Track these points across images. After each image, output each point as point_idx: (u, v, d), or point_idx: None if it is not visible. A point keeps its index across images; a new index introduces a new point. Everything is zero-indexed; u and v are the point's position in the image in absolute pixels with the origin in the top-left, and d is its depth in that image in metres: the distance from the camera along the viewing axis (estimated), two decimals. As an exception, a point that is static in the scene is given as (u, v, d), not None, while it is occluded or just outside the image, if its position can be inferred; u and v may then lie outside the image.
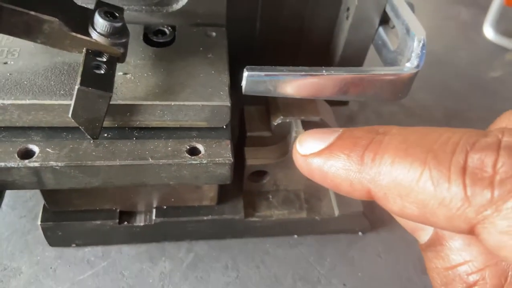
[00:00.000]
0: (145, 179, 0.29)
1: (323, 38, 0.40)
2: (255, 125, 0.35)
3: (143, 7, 0.34)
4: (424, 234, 0.23)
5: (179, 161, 0.28)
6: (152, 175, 0.29)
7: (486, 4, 0.68)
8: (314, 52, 0.41)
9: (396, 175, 0.20)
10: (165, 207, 0.34)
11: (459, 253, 0.22)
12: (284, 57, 0.41)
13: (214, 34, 0.34)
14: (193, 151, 0.29)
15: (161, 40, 0.33)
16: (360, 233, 0.39)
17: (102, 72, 0.27)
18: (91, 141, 0.29)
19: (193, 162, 0.29)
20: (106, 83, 0.27)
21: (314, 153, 0.24)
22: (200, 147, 0.29)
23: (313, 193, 0.37)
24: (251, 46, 0.40)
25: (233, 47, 0.36)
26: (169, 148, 0.29)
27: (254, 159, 0.34)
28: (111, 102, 0.28)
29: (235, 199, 0.36)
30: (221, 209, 0.35)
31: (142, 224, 0.34)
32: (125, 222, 0.34)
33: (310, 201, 0.37)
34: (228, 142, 0.30)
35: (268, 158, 0.35)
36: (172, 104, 0.29)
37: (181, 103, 0.29)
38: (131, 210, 0.34)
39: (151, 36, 0.33)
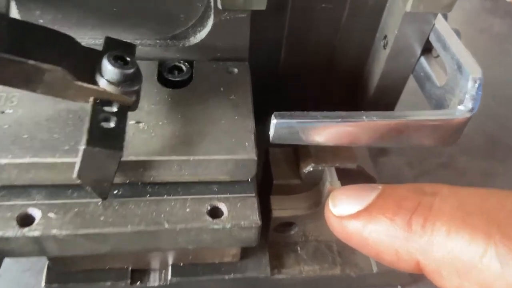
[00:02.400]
0: (160, 244, 0.25)
1: (356, 68, 0.36)
2: (282, 172, 0.31)
3: (157, 41, 0.30)
4: None
5: (199, 226, 0.25)
6: (167, 241, 0.25)
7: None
8: (345, 84, 0.37)
9: (452, 248, 0.17)
10: (182, 264, 0.31)
11: None
12: (311, 89, 0.37)
13: (236, 70, 0.30)
14: (215, 213, 0.26)
15: (177, 79, 0.29)
16: (399, 287, 0.35)
17: (112, 125, 0.23)
18: (99, 202, 0.25)
19: (215, 226, 0.25)
20: (116, 139, 0.23)
21: (350, 215, 0.21)
22: (223, 207, 0.26)
23: (346, 244, 0.33)
24: (274, 76, 0.36)
25: (256, 76, 0.32)
26: (188, 210, 0.25)
27: (281, 210, 0.31)
28: (122, 159, 0.24)
29: (260, 252, 0.32)
30: (244, 265, 0.31)
31: (156, 284, 0.30)
32: (138, 282, 0.30)
33: (344, 254, 0.33)
34: (255, 200, 0.26)
35: (297, 209, 0.31)
36: (191, 159, 0.25)
37: (201, 157, 0.25)
38: (145, 268, 0.31)
39: (166, 75, 0.29)
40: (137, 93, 0.25)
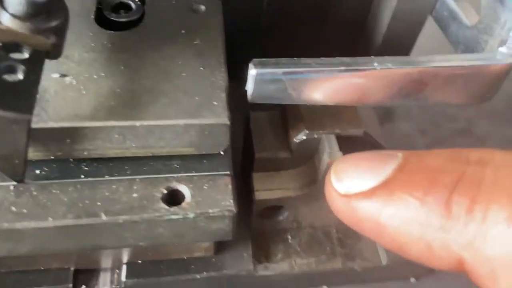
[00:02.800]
0: (99, 242, 0.19)
1: (358, 13, 0.29)
2: (266, 142, 0.24)
3: (95, -31, 0.22)
4: None
5: (151, 216, 0.18)
6: (108, 238, 0.19)
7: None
8: (345, 34, 0.29)
9: None
10: (140, 261, 0.24)
11: None
12: (302, 41, 0.29)
13: (203, 8, 0.23)
14: (173, 198, 0.19)
15: (123, 19, 0.22)
16: (413, 280, 0.28)
17: (19, 78, 0.16)
18: (12, 186, 0.18)
19: (173, 217, 0.18)
20: (23, 97, 0.16)
21: (362, 192, 0.15)
22: (185, 190, 0.19)
23: (348, 230, 0.26)
24: (256, 22, 0.29)
25: (230, 24, 0.25)
26: (135, 195, 0.18)
27: (265, 191, 0.24)
28: (38, 125, 0.17)
29: (240, 244, 0.25)
30: (221, 260, 0.25)
31: (107, 287, 0.24)
32: (83, 287, 0.23)
33: (346, 243, 0.26)
34: (228, 180, 0.20)
35: (286, 189, 0.24)
36: (138, 124, 0.18)
37: (152, 123, 0.18)
38: (92, 267, 0.24)
39: (107, 14, 0.22)
40: (59, 33, 0.18)
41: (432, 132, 0.35)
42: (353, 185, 0.16)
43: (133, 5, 0.23)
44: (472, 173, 0.14)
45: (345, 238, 0.27)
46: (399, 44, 0.28)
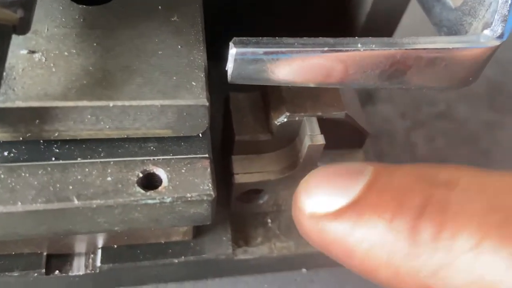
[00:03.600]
0: (72, 227, 0.18)
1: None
2: (247, 124, 0.24)
3: None
4: None
5: (126, 201, 0.17)
6: (82, 222, 0.18)
7: None
8: (329, 11, 0.29)
9: (483, 273, 0.12)
10: (115, 246, 0.23)
11: None
12: (284, 19, 0.28)
13: (181, -17, 0.22)
14: (150, 181, 0.18)
15: (96, -6, 0.21)
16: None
17: (-19, 53, 0.15)
18: (-24, 169, 0.17)
19: (150, 201, 0.17)
20: (-14, 73, 0.15)
21: (330, 213, 0.15)
22: (161, 173, 0.18)
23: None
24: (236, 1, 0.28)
25: (209, 2, 0.24)
26: (109, 178, 0.18)
27: (245, 174, 0.23)
28: (5, 105, 0.17)
29: (219, 228, 0.25)
30: (199, 245, 0.24)
31: (82, 273, 0.23)
32: (56, 272, 0.23)
33: (325, 226, 0.26)
34: (207, 163, 0.19)
35: (266, 173, 0.24)
36: (111, 105, 0.17)
37: (127, 103, 0.17)
38: (65, 252, 0.23)
39: (80, -13, 0.21)
40: (26, 6, 0.17)
41: (412, 115, 0.36)
42: (322, 204, 0.15)
43: (107, -22, 0.21)
44: (439, 196, 0.13)
45: (325, 221, 0.27)
46: (383, 24, 0.28)
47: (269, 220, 0.26)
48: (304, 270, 0.28)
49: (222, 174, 0.25)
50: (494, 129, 0.36)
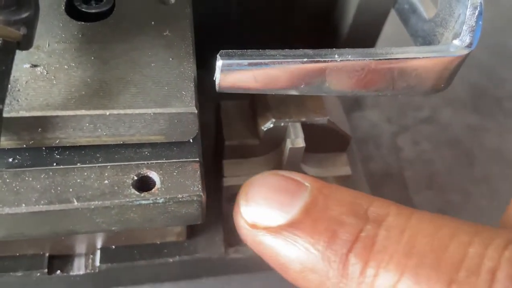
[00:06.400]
0: (72, 227, 0.19)
1: (326, 3, 0.29)
2: (236, 130, 0.25)
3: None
4: None
5: (121, 202, 0.19)
6: (81, 222, 0.19)
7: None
8: (314, 23, 0.30)
9: None
10: (113, 247, 0.25)
11: None
12: (271, 31, 0.30)
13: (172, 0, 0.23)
14: (144, 184, 0.20)
15: (93, 11, 0.22)
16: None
17: (-11, 68, 0.17)
18: (-16, 174, 0.19)
19: (144, 202, 0.19)
20: (-7, 86, 0.17)
21: (269, 227, 0.16)
22: (154, 176, 0.20)
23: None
24: (225, 14, 0.30)
25: (199, 18, 0.26)
26: (106, 181, 0.19)
27: (234, 177, 0.25)
28: (10, 114, 0.18)
29: (212, 228, 0.26)
30: (193, 245, 0.26)
31: (82, 272, 0.24)
32: (58, 271, 0.24)
33: (313, 226, 0.28)
34: (197, 165, 0.20)
35: (253, 175, 0.25)
36: (108, 113, 0.19)
37: (122, 112, 0.19)
38: (66, 253, 0.25)
39: (78, 5, 0.22)
40: (29, 24, 0.18)
41: (398, 120, 0.37)
42: (259, 217, 0.16)
43: (103, -4, 0.23)
44: (368, 232, 0.14)
45: (313, 221, 0.28)
46: (365, 35, 0.29)
47: (259, 221, 0.28)
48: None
49: (216, 177, 0.27)
50: (477, 132, 0.37)
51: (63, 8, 0.22)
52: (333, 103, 0.26)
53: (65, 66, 0.20)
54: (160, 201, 0.19)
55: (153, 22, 0.22)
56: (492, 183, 0.34)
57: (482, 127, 0.38)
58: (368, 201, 0.15)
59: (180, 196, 0.19)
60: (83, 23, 0.22)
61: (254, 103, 0.25)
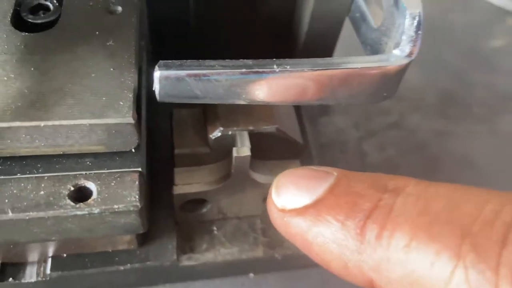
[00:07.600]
0: (10, 237, 0.20)
1: (285, 12, 0.30)
2: (186, 138, 0.25)
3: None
4: None
5: (56, 213, 0.19)
6: (19, 232, 0.19)
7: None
8: (274, 32, 0.30)
9: (413, 268, 0.14)
10: (65, 255, 0.25)
11: None
12: (232, 38, 0.30)
13: (119, 9, 0.24)
14: (80, 194, 0.20)
15: (38, 21, 0.22)
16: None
17: None
18: None
19: (79, 212, 0.19)
20: None
21: (295, 209, 0.17)
22: (92, 186, 0.20)
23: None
24: (185, 27, 0.30)
25: (158, 26, 0.26)
26: (42, 192, 0.19)
27: (184, 185, 0.25)
28: None
29: (166, 235, 0.26)
30: (145, 252, 0.26)
31: (34, 280, 0.25)
32: (10, 279, 0.24)
33: (269, 233, 0.28)
34: (135, 175, 0.21)
35: (203, 183, 0.25)
36: (42, 125, 0.19)
37: (57, 123, 0.19)
38: (19, 261, 0.25)
39: (25, 15, 0.23)
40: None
41: (364, 125, 0.37)
42: (289, 201, 0.17)
43: (51, 6, 0.23)
44: (385, 201, 0.15)
45: (269, 228, 0.28)
46: (321, 43, 0.29)
47: (214, 228, 0.28)
48: (251, 275, 0.29)
49: (169, 186, 0.27)
50: (443, 137, 0.37)
51: (9, 19, 0.22)
52: (285, 111, 0.26)
53: (5, 78, 0.20)
54: (96, 211, 0.19)
55: (97, 32, 0.22)
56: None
57: (449, 132, 0.38)
58: (389, 177, 0.16)
59: (116, 206, 0.19)
60: (27, 34, 0.22)
61: (205, 111, 0.25)
